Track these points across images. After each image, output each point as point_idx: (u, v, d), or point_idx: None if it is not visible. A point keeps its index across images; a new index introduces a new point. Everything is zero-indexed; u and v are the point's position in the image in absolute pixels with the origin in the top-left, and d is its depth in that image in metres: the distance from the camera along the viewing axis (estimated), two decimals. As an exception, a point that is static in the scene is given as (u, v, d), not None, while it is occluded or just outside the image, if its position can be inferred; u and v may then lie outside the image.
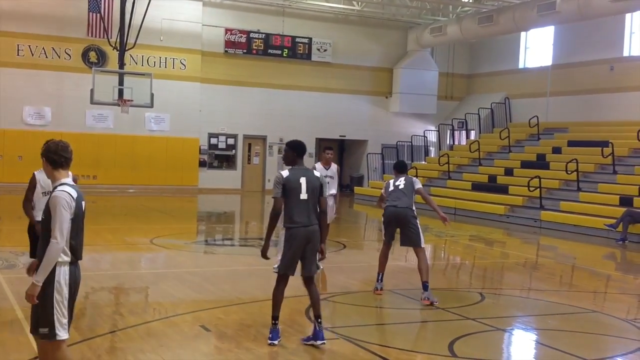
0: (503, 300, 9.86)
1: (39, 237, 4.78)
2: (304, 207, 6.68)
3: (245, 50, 27.86)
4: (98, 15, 24.90)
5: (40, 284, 4.55)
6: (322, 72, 29.23)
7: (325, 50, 29.15)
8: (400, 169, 9.51)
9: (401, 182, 9.20)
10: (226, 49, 27.66)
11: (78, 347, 6.30)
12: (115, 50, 22.77)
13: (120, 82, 21.79)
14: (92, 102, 21.45)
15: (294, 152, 6.80)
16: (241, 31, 27.78)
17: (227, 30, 27.62)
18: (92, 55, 25.55)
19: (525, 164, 22.89)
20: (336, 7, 28.25)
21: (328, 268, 11.20)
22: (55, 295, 4.60)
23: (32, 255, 6.50)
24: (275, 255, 6.81)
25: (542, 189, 19.95)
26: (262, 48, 28.09)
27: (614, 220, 16.82)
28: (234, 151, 28.47)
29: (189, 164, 27.17)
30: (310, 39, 28.82)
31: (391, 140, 29.45)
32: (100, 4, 24.92)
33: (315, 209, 6.78)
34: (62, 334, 4.66)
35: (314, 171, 7.00)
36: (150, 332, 7.12)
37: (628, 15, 24.11)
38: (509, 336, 7.92)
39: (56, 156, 4.74)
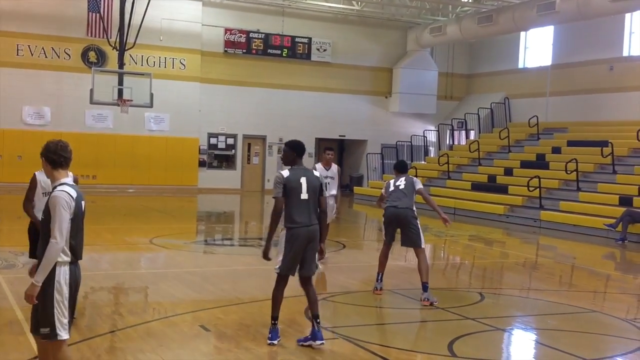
0: (503, 300, 9.86)
1: (39, 237, 4.78)
2: (304, 207, 6.67)
3: (244, 50, 27.85)
4: (97, 15, 24.90)
5: (40, 284, 4.55)
6: (321, 72, 29.23)
7: (324, 50, 29.15)
8: (401, 168, 9.47)
9: (402, 182, 9.16)
10: (226, 49, 27.66)
11: (77, 347, 6.30)
12: (114, 50, 22.77)
13: (120, 82, 21.80)
14: (91, 102, 21.46)
15: (293, 152, 6.78)
16: (241, 31, 27.78)
17: (226, 30, 27.62)
18: (92, 55, 25.55)
19: (525, 164, 22.89)
20: (336, 7, 28.26)
21: (328, 268, 11.20)
22: (56, 295, 4.60)
23: (32, 255, 6.49)
24: (276, 256, 6.79)
25: (541, 189, 19.95)
26: (261, 48, 28.09)
27: (613, 220, 16.82)
28: (233, 151, 28.47)
29: (188, 164, 27.18)
30: (310, 38, 28.82)
31: (391, 140, 29.45)
32: (100, 3, 24.92)
33: (315, 209, 6.77)
34: (63, 334, 4.66)
35: (314, 171, 7.00)
36: (150, 332, 7.12)
37: (627, 15, 24.11)
38: (508, 336, 7.92)
39: (55, 156, 4.74)
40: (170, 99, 26.07)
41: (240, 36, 27.77)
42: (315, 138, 29.19)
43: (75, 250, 4.70)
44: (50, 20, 25.00)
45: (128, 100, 21.58)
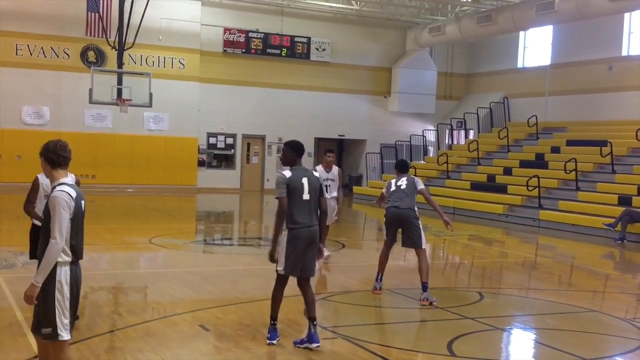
0: (502, 300, 9.86)
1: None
2: (306, 208, 6.65)
3: (244, 50, 27.85)
4: (97, 14, 24.90)
5: (40, 285, 4.54)
6: (321, 72, 29.23)
7: (324, 50, 29.14)
8: (402, 168, 9.42)
9: (403, 182, 9.11)
10: (225, 49, 27.65)
11: (77, 346, 6.29)
12: (113, 49, 22.78)
13: (119, 82, 21.78)
14: (90, 101, 21.44)
15: (293, 152, 6.75)
16: (240, 31, 27.78)
17: (225, 29, 27.62)
18: (91, 55, 25.54)
19: (524, 164, 22.90)
20: (335, 7, 28.26)
21: (327, 267, 11.21)
22: (57, 295, 4.59)
23: (32, 256, 6.49)
24: (280, 255, 6.72)
25: (540, 189, 19.96)
26: (260, 48, 28.09)
27: (612, 220, 16.83)
28: (232, 151, 28.47)
29: (187, 164, 27.17)
30: (309, 38, 28.82)
31: (390, 140, 29.46)
32: (99, 3, 24.92)
33: (316, 210, 6.76)
34: (64, 334, 4.65)
35: (314, 172, 6.99)
36: (149, 332, 7.11)
37: (627, 15, 24.12)
38: (507, 335, 7.92)
39: (55, 156, 4.73)
40: (170, 99, 26.06)
41: (240, 36, 27.76)
42: (315, 138, 29.21)
43: (76, 250, 4.69)
44: (50, 20, 24.99)
45: (127, 100, 21.57)
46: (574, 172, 20.16)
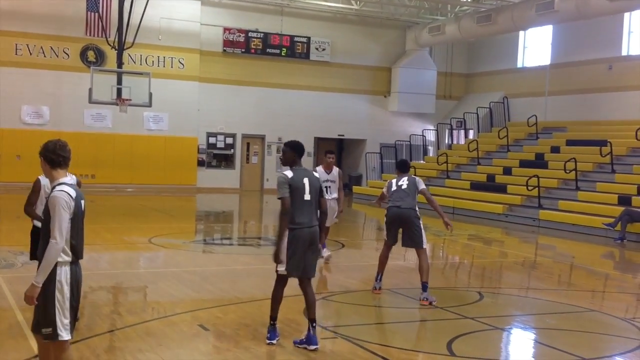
0: (502, 299, 9.87)
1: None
2: (307, 208, 6.64)
3: (243, 50, 27.85)
4: (96, 14, 24.90)
5: (40, 285, 4.53)
6: (320, 72, 29.23)
7: (323, 50, 29.14)
8: (403, 168, 9.40)
9: (404, 182, 9.08)
10: (224, 48, 27.64)
11: (76, 346, 6.28)
12: (113, 49, 22.78)
13: (119, 82, 21.79)
14: (90, 101, 21.45)
15: (294, 152, 6.74)
16: (239, 30, 27.77)
17: (225, 29, 27.61)
18: (91, 55, 25.53)
19: (524, 163, 22.90)
20: (335, 7, 28.25)
21: (327, 267, 11.20)
22: (57, 295, 4.59)
23: (33, 257, 6.48)
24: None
25: (540, 188, 19.96)
26: (260, 47, 28.08)
27: (612, 219, 16.83)
28: (232, 150, 28.46)
29: (187, 163, 27.16)
30: (309, 38, 28.82)
31: (390, 140, 29.46)
32: (99, 3, 24.92)
33: (316, 210, 6.76)
34: (64, 334, 4.64)
35: (314, 173, 6.99)
36: (149, 332, 7.11)
37: (626, 15, 24.12)
38: (507, 335, 7.92)
39: (54, 155, 4.72)
40: (169, 99, 26.05)
41: (239, 35, 27.76)
42: (314, 137, 29.21)
43: (76, 250, 4.69)
44: (49, 19, 24.98)
45: (127, 100, 21.57)
46: (573, 171, 20.16)
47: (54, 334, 4.61)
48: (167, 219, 19.01)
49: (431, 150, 30.18)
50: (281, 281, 6.73)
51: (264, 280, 9.43)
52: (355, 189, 27.94)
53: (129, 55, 24.33)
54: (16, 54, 24.78)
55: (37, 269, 4.58)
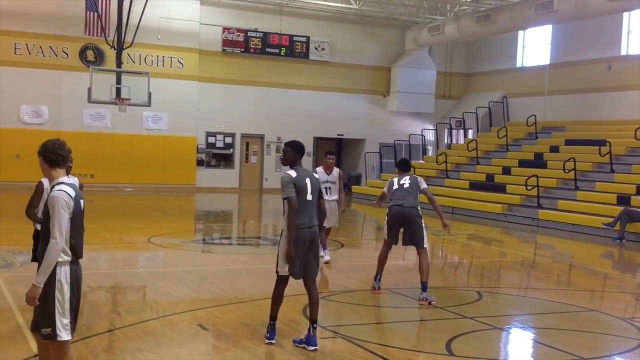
0: (501, 299, 9.87)
1: None
2: (308, 208, 6.64)
3: (242, 49, 27.84)
4: (95, 14, 24.88)
5: (41, 286, 4.52)
6: (319, 71, 29.23)
7: (323, 49, 29.13)
8: (404, 167, 9.38)
9: (406, 181, 9.06)
10: (224, 48, 27.64)
11: (75, 346, 6.27)
12: (112, 49, 22.78)
13: (118, 81, 21.78)
14: (89, 100, 21.44)
15: (295, 152, 6.73)
16: (239, 30, 27.76)
17: (224, 29, 27.60)
18: (90, 54, 25.51)
19: (523, 163, 22.91)
20: (334, 6, 28.24)
21: (327, 267, 11.19)
22: (57, 294, 4.59)
23: (35, 259, 6.48)
24: (281, 258, 6.63)
25: (539, 188, 19.97)
26: (259, 47, 28.08)
27: (611, 219, 16.84)
28: (231, 150, 28.46)
29: (186, 163, 27.16)
30: (308, 37, 28.81)
31: (389, 139, 29.46)
32: (98, 2, 24.89)
33: (316, 210, 6.77)
34: (64, 335, 4.64)
35: (314, 173, 7.00)
36: (148, 331, 7.11)
37: (626, 14, 24.12)
38: (506, 335, 7.92)
39: (53, 155, 4.71)
40: (168, 98, 26.04)
41: (238, 35, 27.75)
42: (314, 137, 29.21)
43: (76, 250, 4.68)
44: (48, 19, 24.96)
45: (126, 99, 21.56)
46: (572, 171, 20.17)
47: (53, 334, 4.60)
48: (166, 219, 19.00)
49: (430, 150, 30.18)
50: (282, 282, 6.72)
51: (263, 279, 9.44)
52: (354, 188, 27.93)
53: (128, 54, 24.33)
54: (15, 54, 24.76)
55: (37, 269, 4.57)
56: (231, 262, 12.30)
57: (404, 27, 30.41)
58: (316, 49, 28.99)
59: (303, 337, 6.68)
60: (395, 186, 9.10)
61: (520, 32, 28.45)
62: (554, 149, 23.11)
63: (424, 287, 8.82)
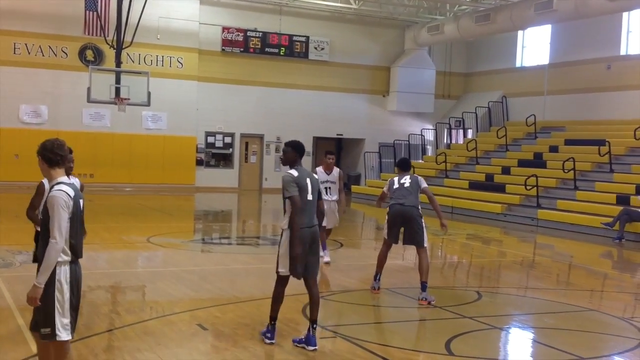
0: (500, 299, 9.87)
1: None
2: (309, 208, 6.64)
3: (242, 49, 27.84)
4: (95, 13, 24.86)
5: (42, 286, 4.52)
6: (319, 71, 29.23)
7: (322, 49, 29.13)
8: (404, 166, 9.37)
9: (407, 180, 9.06)
10: (223, 48, 27.63)
11: (75, 345, 6.27)
12: (112, 48, 22.75)
13: (117, 81, 21.76)
14: (89, 100, 21.42)
15: (296, 152, 6.73)
16: (238, 29, 27.76)
17: (224, 28, 27.60)
18: (89, 54, 25.50)
19: (523, 163, 22.91)
20: (333, 6, 28.24)
21: (325, 267, 11.19)
22: (57, 294, 4.58)
23: (35, 260, 6.47)
24: (281, 258, 6.63)
25: (539, 188, 19.97)
26: (259, 46, 28.07)
27: (610, 219, 16.84)
28: (231, 150, 28.45)
29: (186, 163, 27.15)
30: (308, 37, 28.81)
31: (388, 139, 29.46)
32: (97, 2, 24.87)
33: (316, 210, 6.77)
34: (63, 335, 4.63)
35: (314, 173, 7.00)
36: (148, 331, 7.10)
37: (625, 14, 24.12)
38: (506, 334, 7.92)
39: (52, 154, 4.71)
40: (168, 98, 26.03)
41: (238, 35, 27.75)
42: (313, 137, 29.21)
43: (76, 249, 4.68)
44: (48, 18, 24.95)
45: (125, 99, 21.54)
46: (572, 171, 20.17)
47: (52, 334, 4.60)
48: (165, 218, 18.99)
49: (430, 150, 30.18)
50: (282, 282, 6.71)
51: (262, 279, 9.44)
52: (354, 188, 27.94)
53: (128, 54, 24.31)
54: (14, 53, 24.74)
55: (37, 269, 4.57)
56: (230, 261, 12.30)
57: (404, 26, 30.42)
58: (315, 48, 28.99)
59: (302, 337, 6.68)
60: (396, 185, 9.09)
61: (520, 32, 28.45)
62: (554, 149, 23.12)
63: (424, 287, 8.82)
